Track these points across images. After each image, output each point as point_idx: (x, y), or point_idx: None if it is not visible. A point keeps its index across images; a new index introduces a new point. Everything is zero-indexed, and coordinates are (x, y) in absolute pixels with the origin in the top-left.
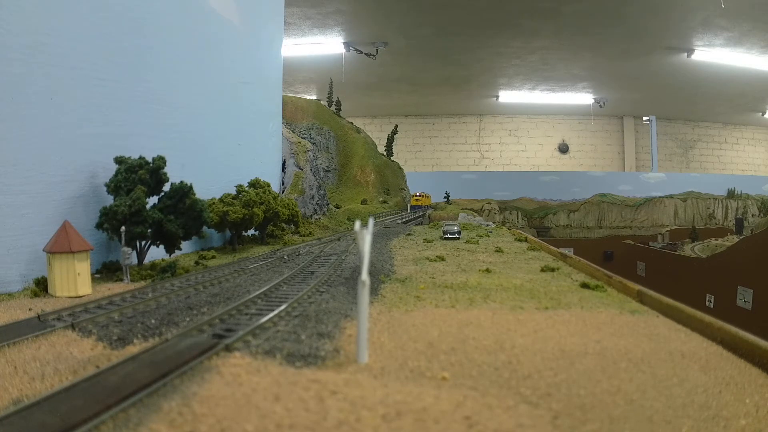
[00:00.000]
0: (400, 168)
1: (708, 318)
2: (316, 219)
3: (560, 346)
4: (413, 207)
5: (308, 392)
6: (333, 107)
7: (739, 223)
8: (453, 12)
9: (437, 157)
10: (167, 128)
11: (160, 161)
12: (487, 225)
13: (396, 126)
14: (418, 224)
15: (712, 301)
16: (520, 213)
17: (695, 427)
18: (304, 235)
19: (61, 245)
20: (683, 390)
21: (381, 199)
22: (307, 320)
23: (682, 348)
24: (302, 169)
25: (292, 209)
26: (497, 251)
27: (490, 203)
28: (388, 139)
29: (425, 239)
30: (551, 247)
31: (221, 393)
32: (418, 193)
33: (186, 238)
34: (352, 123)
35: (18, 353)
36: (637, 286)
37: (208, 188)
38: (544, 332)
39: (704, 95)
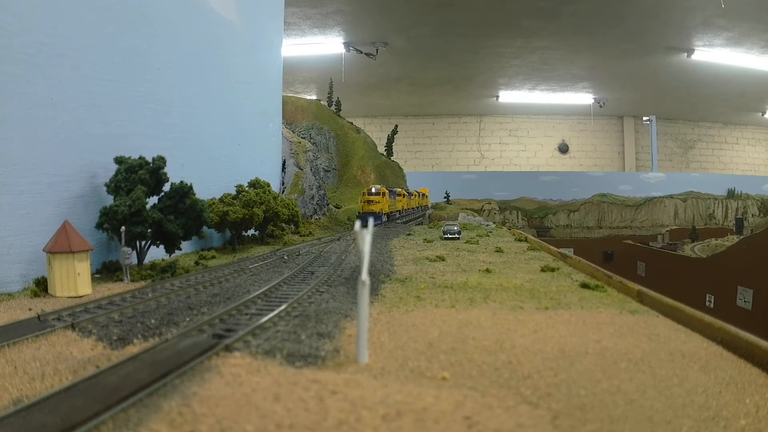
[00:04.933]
0: (400, 168)
1: (708, 318)
2: (316, 219)
3: (560, 346)
4: (363, 215)
5: (308, 392)
6: (333, 107)
7: (739, 223)
8: (453, 12)
9: (437, 157)
10: (167, 128)
11: (160, 161)
12: (487, 225)
13: (396, 126)
14: (419, 224)
15: (712, 301)
16: (520, 213)
17: (695, 427)
18: (304, 235)
19: (61, 245)
20: (683, 390)
21: None
22: (307, 320)
23: (682, 348)
24: (302, 169)
25: (292, 209)
26: (497, 251)
27: (490, 203)
28: (388, 139)
29: (425, 239)
30: (551, 247)
31: (221, 393)
32: (373, 189)
33: (186, 238)
34: (352, 123)
35: (18, 353)
36: (637, 286)
37: (208, 188)
38: (544, 332)
39: (704, 95)
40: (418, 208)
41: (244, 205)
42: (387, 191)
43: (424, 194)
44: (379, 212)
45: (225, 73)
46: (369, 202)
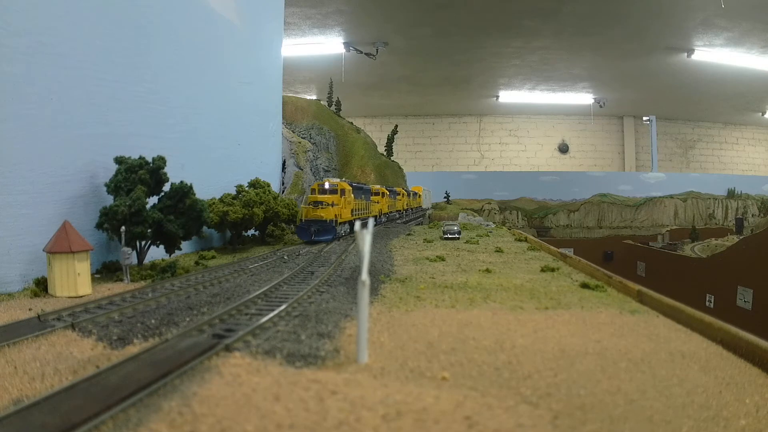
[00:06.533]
0: (400, 168)
1: (708, 318)
2: None
3: (560, 346)
4: (307, 225)
5: (308, 392)
6: (333, 107)
7: (739, 223)
8: (453, 12)
9: (437, 157)
10: (167, 128)
11: (160, 161)
12: (487, 225)
13: (396, 126)
14: (419, 224)
15: (712, 301)
16: (520, 213)
17: (695, 427)
18: None
19: (61, 245)
20: (683, 390)
21: None
22: (307, 320)
23: (682, 348)
24: (302, 169)
25: (292, 209)
26: (497, 251)
27: (490, 203)
28: (388, 139)
29: (425, 239)
30: (551, 247)
31: (221, 393)
32: (326, 185)
33: (186, 238)
34: (352, 123)
35: (18, 353)
36: (637, 286)
37: (208, 188)
38: (544, 332)
39: (704, 95)
40: (407, 210)
41: (244, 205)
42: (349, 187)
43: (416, 193)
44: (331, 220)
45: (225, 73)
46: (316, 204)
